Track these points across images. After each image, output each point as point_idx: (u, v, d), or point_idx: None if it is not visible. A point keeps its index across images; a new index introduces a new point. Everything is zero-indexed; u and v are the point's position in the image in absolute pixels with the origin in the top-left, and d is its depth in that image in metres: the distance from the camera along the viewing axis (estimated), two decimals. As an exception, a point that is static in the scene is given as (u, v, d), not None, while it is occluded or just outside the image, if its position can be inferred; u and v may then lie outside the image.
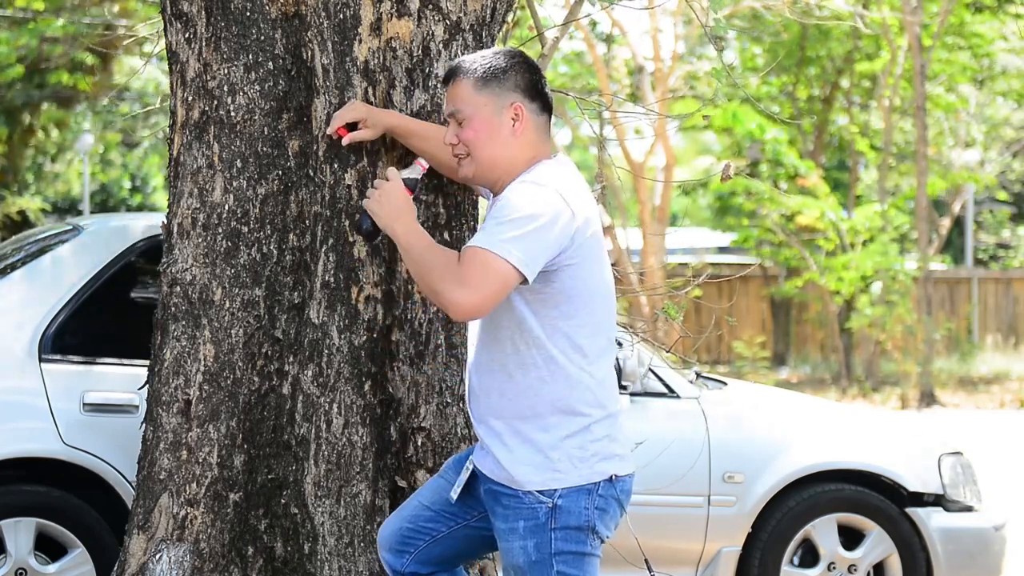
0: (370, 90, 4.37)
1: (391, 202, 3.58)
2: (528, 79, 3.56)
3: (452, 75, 3.59)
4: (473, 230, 4.56)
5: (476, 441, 3.68)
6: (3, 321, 5.32)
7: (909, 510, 6.06)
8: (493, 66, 3.55)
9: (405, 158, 4.41)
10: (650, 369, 5.97)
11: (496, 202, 3.51)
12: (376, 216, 3.60)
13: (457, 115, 3.56)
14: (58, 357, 5.28)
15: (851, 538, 6.06)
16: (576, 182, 3.55)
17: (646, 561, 4.10)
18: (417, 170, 3.74)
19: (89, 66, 19.51)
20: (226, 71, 4.48)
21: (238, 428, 4.47)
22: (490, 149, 3.53)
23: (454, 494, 3.68)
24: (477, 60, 3.58)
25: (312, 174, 4.45)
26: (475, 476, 3.66)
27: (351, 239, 4.37)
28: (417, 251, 3.50)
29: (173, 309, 4.51)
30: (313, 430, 4.38)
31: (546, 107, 3.59)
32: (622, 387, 5.78)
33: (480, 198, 4.58)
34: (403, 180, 3.66)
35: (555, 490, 3.43)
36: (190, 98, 4.53)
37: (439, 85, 4.41)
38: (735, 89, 18.05)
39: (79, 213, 31.97)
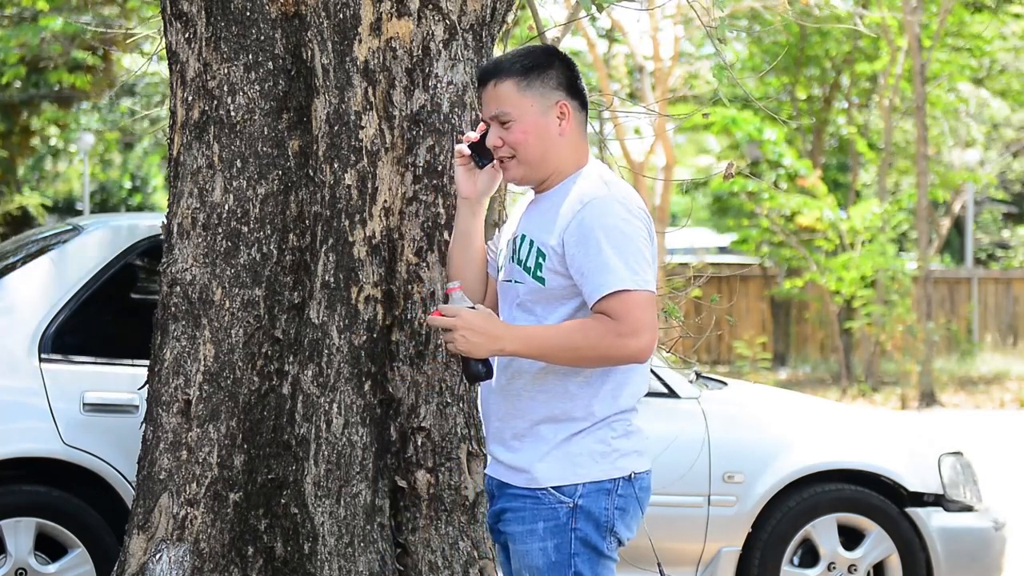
0: (370, 90, 4.37)
1: (478, 331, 3.30)
2: (568, 76, 3.46)
3: (493, 75, 3.43)
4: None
5: (475, 441, 3.63)
6: (3, 321, 5.32)
7: (909, 510, 6.06)
8: (535, 64, 3.42)
9: (405, 158, 4.41)
10: (650, 369, 5.97)
11: (580, 223, 3.34)
12: (476, 353, 3.32)
13: (501, 116, 3.41)
14: (58, 357, 5.28)
15: (851, 538, 6.06)
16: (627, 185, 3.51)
17: (659, 565, 4.03)
18: (459, 293, 3.38)
19: (89, 66, 19.47)
20: (226, 71, 4.47)
21: (238, 428, 4.46)
22: (539, 150, 3.42)
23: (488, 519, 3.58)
24: (518, 59, 3.44)
25: (312, 174, 4.45)
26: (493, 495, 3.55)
27: (349, 237, 4.37)
28: (553, 345, 3.31)
29: (173, 309, 4.50)
30: (313, 430, 4.38)
31: (584, 104, 3.51)
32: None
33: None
34: (463, 307, 3.31)
35: (575, 488, 3.39)
36: (190, 98, 4.53)
37: (439, 85, 4.40)
38: (734, 88, 18.04)
39: (79, 213, 31.97)
